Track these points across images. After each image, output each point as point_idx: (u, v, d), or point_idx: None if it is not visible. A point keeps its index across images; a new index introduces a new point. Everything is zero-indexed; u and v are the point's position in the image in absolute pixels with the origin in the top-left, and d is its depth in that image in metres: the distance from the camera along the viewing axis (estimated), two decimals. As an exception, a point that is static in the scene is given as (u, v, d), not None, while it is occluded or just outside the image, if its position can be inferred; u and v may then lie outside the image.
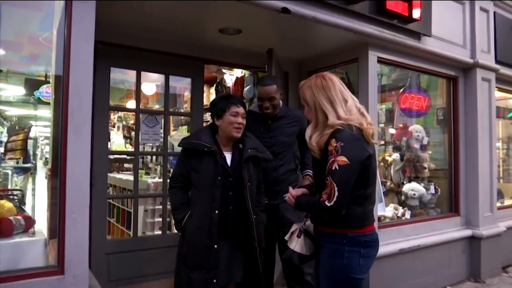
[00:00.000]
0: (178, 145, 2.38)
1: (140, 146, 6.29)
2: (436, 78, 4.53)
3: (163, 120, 3.64)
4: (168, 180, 2.48)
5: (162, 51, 3.41)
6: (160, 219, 4.25)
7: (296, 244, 1.93)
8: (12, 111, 7.71)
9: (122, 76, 6.28)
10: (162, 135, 3.64)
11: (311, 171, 2.82)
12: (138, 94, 3.39)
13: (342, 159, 1.67)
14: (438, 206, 4.43)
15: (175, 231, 4.59)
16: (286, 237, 2.03)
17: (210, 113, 2.44)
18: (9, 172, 4.69)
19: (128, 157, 7.32)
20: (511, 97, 5.54)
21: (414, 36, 3.72)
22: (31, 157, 7.23)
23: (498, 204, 4.78)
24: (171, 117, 6.96)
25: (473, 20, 4.39)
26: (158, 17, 2.95)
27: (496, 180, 4.65)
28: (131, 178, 5.48)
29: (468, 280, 4.25)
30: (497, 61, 4.64)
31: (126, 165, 7.25)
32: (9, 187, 4.50)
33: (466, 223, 4.38)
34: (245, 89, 4.99)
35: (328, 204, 1.67)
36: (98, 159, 3.15)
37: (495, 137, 4.63)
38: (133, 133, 6.46)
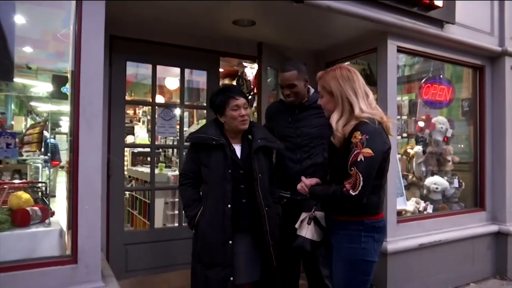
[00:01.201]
0: (185, 141, 2.37)
1: (162, 140, 6.41)
2: (461, 68, 4.35)
3: (185, 113, 3.67)
4: (179, 177, 2.45)
5: (176, 44, 3.43)
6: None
7: (307, 231, 2.03)
8: (43, 107, 7.99)
9: (146, 72, 6.40)
10: (178, 128, 3.66)
11: None
12: (154, 87, 3.42)
13: (367, 151, 1.77)
14: (462, 200, 4.27)
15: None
16: (296, 225, 2.11)
17: (212, 110, 2.38)
18: (40, 165, 4.87)
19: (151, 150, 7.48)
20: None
21: (436, 24, 3.57)
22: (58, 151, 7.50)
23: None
24: (194, 111, 7.05)
25: (502, 5, 4.18)
26: (171, 9, 2.94)
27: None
28: (147, 170, 5.62)
29: (493, 277, 4.09)
30: (527, 49, 4.40)
31: (149, 159, 7.38)
32: (39, 179, 4.68)
33: (492, 218, 4.20)
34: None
35: (353, 193, 1.76)
36: (115, 151, 3.22)
37: (525, 129, 4.40)
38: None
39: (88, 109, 2.20)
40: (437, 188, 4.08)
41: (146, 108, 7.86)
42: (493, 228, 4.11)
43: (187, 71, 3.62)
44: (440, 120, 4.25)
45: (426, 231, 3.63)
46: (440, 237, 3.64)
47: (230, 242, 2.18)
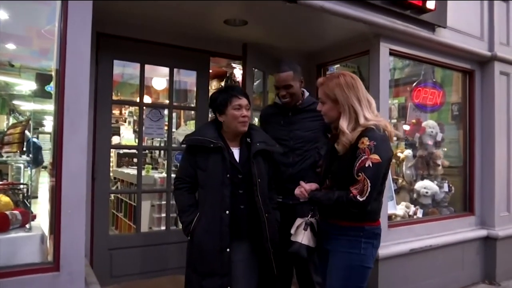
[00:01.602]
0: (181, 143, 2.28)
1: (149, 141, 6.29)
2: (451, 72, 4.35)
3: (173, 114, 3.58)
4: (173, 181, 2.35)
5: (166, 43, 3.35)
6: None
7: (304, 237, 2.00)
8: (26, 106, 7.79)
9: (133, 71, 6.28)
10: (167, 129, 3.57)
11: None
12: (141, 87, 3.32)
13: (375, 157, 1.77)
14: (452, 205, 4.27)
15: (180, 227, 4.62)
16: (292, 231, 2.05)
17: (211, 109, 2.31)
18: (22, 166, 4.70)
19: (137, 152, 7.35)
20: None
21: (428, 28, 3.56)
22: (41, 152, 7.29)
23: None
24: (181, 112, 6.94)
25: (491, 11, 4.19)
26: (160, 7, 2.86)
27: (514, 178, 4.46)
28: (134, 172, 5.50)
29: (482, 282, 4.09)
30: (516, 54, 4.44)
31: (135, 160, 7.24)
32: (21, 181, 4.51)
33: (481, 223, 4.21)
34: (254, 84, 4.90)
35: (361, 199, 1.75)
36: (100, 152, 3.11)
37: (513, 134, 4.43)
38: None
39: (73, 108, 2.09)
40: (427, 192, 4.06)
41: (132, 109, 7.73)
42: (482, 232, 4.11)
43: (174, 71, 3.51)
44: (430, 124, 4.25)
45: (417, 236, 3.60)
46: (431, 242, 3.62)
47: (228, 249, 2.10)
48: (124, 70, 5.89)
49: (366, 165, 1.77)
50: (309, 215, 2.05)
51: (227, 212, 2.10)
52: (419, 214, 3.95)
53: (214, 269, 2.08)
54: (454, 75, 4.41)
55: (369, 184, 1.75)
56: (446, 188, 4.18)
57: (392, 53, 3.47)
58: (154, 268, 3.30)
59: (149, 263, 3.30)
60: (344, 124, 1.88)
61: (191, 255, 2.18)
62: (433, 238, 3.70)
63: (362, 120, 1.85)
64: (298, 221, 2.06)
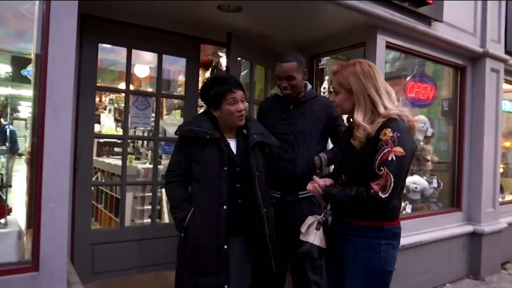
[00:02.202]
0: (175, 133, 2.12)
1: (131, 130, 6.07)
2: (442, 67, 4.32)
3: (155, 103, 3.41)
4: (160, 173, 2.21)
5: (155, 28, 3.17)
6: (150, 207, 4.05)
7: (315, 237, 1.86)
8: (1, 91, 7.40)
9: (115, 57, 6.01)
10: (154, 119, 3.39)
11: (323, 153, 2.50)
12: (128, 73, 3.13)
13: (399, 149, 1.62)
14: (440, 200, 4.26)
15: (166, 220, 4.47)
16: (303, 230, 1.91)
17: (204, 102, 2.16)
18: (-6, 154, 4.43)
19: (119, 141, 7.10)
20: (517, 90, 5.36)
21: (424, 21, 3.49)
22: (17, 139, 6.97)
23: (499, 200, 4.63)
24: (164, 101, 6.72)
25: (484, 7, 4.18)
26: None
27: (499, 174, 4.50)
28: (121, 162, 5.31)
29: (467, 277, 4.13)
30: (506, 52, 4.44)
31: (116, 149, 7.01)
32: (-4, 171, 4.25)
33: (468, 219, 4.23)
34: (242, 74, 4.75)
35: (383, 196, 1.60)
36: (83, 142, 2.93)
37: (501, 131, 4.45)
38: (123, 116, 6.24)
39: (56, 94, 1.90)
40: (416, 187, 4.04)
41: (113, 96, 7.45)
42: (469, 228, 4.13)
43: (155, 59, 3.33)
44: (421, 119, 4.20)
45: (406, 232, 3.53)
46: (420, 238, 3.60)
47: (225, 246, 1.99)
48: (105, 55, 5.63)
49: (389, 159, 1.61)
50: (323, 214, 1.91)
51: (225, 207, 1.99)
52: (408, 209, 3.93)
53: (210, 267, 1.97)
54: (445, 70, 4.38)
55: (392, 180, 1.59)
56: (435, 184, 4.17)
57: (389, 46, 3.40)
58: (139, 264, 3.16)
59: (133, 259, 3.15)
60: (359, 117, 1.72)
61: (184, 253, 2.04)
62: (422, 234, 3.69)
63: (381, 110, 1.69)
64: (310, 219, 1.92)
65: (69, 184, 1.97)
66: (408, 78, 3.95)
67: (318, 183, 1.87)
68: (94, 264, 3.00)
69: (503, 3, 4.38)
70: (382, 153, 1.63)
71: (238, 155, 2.10)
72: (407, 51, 3.65)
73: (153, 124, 3.39)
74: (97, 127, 6.79)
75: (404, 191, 4.11)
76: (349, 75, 1.76)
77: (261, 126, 2.25)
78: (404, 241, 3.45)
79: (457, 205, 4.23)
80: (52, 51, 1.90)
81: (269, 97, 3.02)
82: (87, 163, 2.99)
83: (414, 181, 4.08)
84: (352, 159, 1.80)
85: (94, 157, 6.17)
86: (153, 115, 3.45)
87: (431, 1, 3.33)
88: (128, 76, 3.14)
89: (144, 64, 6.04)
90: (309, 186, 1.92)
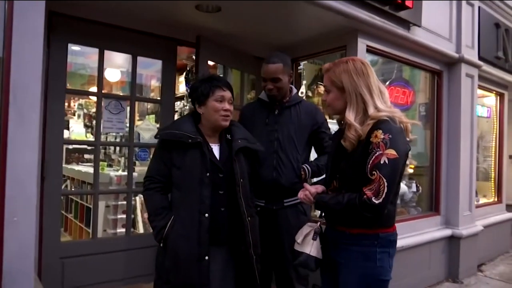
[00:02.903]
0: (155, 137, 2.00)
1: (102, 136, 5.83)
2: (418, 72, 4.35)
3: (129, 107, 3.24)
4: (143, 180, 2.06)
5: (129, 27, 3.02)
6: (124, 216, 3.85)
7: (312, 248, 1.77)
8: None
9: (84, 60, 5.77)
10: (128, 124, 3.23)
11: (307, 165, 2.42)
12: (100, 76, 2.97)
13: (392, 152, 1.53)
14: (418, 204, 4.28)
15: (141, 230, 4.28)
16: (298, 240, 1.81)
17: (190, 99, 2.06)
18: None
19: (89, 147, 6.81)
20: (489, 95, 5.48)
21: (404, 25, 3.50)
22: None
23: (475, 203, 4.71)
24: (136, 106, 6.49)
25: (459, 13, 4.24)
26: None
27: (475, 178, 4.57)
28: (92, 170, 5.06)
29: (446, 280, 4.14)
30: (479, 57, 4.53)
31: (86, 156, 6.74)
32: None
33: (446, 223, 4.26)
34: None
35: (376, 202, 1.51)
36: (51, 149, 2.74)
37: (476, 135, 4.54)
38: (95, 121, 6.00)
39: (21, 98, 1.73)
40: (396, 192, 4.02)
41: (82, 101, 7.17)
42: (447, 232, 4.16)
43: (126, 63, 3.18)
44: (399, 123, 4.22)
45: (388, 237, 3.54)
46: (402, 243, 3.57)
47: (207, 257, 1.87)
48: (73, 59, 5.39)
49: (382, 162, 1.53)
50: (319, 223, 1.82)
51: (207, 215, 1.88)
52: (389, 214, 3.90)
53: (191, 279, 1.85)
54: (422, 75, 4.42)
55: (386, 184, 1.51)
56: (414, 188, 4.18)
57: (369, 50, 3.37)
58: (113, 277, 2.97)
59: (107, 272, 2.96)
60: (351, 116, 1.64)
61: (163, 265, 1.91)
62: (403, 239, 3.66)
63: (371, 110, 1.61)
64: (306, 228, 1.82)
65: (36, 195, 1.80)
66: (387, 83, 3.95)
67: (309, 191, 1.79)
68: (64, 279, 2.80)
69: (476, 9, 4.47)
70: (374, 156, 1.55)
71: (222, 160, 2.00)
72: (387, 55, 3.64)
73: (127, 129, 3.22)
74: (65, 133, 6.51)
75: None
76: (341, 73, 1.70)
77: (246, 131, 2.16)
78: (386, 246, 3.44)
79: (436, 209, 4.26)
80: (16, 50, 1.73)
81: (251, 102, 2.92)
82: (57, 171, 2.79)
83: (393, 185, 4.07)
84: (343, 164, 1.72)
85: (64, 165, 5.91)
86: (127, 120, 3.28)
87: (410, 6, 3.33)
88: (100, 78, 2.98)
89: (115, 68, 5.83)
90: (300, 194, 1.83)
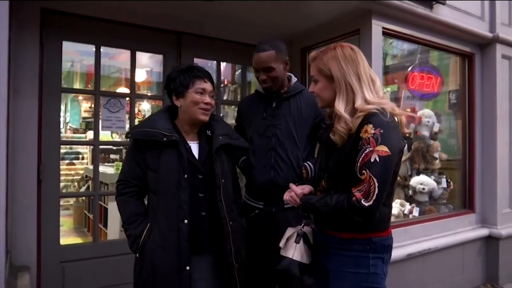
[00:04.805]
0: (126, 137, 1.85)
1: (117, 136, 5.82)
2: (448, 56, 3.97)
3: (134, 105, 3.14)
4: (116, 184, 1.91)
5: (127, 22, 2.89)
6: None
7: (295, 252, 1.64)
8: None
9: (75, 57, 6.01)
10: (129, 122, 3.11)
11: (309, 162, 2.17)
12: (97, 73, 2.86)
13: (383, 149, 1.40)
14: (450, 201, 3.91)
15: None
16: (281, 244, 1.69)
17: (167, 91, 1.88)
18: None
19: (114, 148, 6.86)
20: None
21: (425, 4, 3.16)
22: None
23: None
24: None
25: (493, -13, 3.82)
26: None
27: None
28: (110, 170, 5.05)
29: (484, 286, 3.76)
30: (518, 36, 4.07)
31: (112, 156, 6.82)
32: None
33: (482, 221, 3.86)
34: (236, 73, 4.48)
35: (366, 204, 1.38)
36: (48, 150, 2.66)
37: (515, 123, 4.08)
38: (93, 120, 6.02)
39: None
40: (423, 188, 3.69)
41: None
42: (484, 231, 3.76)
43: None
44: (426, 113, 3.87)
45: (413, 238, 3.23)
46: (429, 245, 3.25)
47: (188, 267, 1.69)
48: (65, 57, 5.57)
49: (372, 160, 1.39)
50: (302, 224, 1.66)
51: (186, 221, 1.70)
52: (415, 213, 3.59)
53: None
54: (452, 60, 4.03)
55: (377, 185, 1.37)
56: (444, 184, 3.82)
57: (386, 32, 3.07)
58: (116, 282, 2.87)
59: (109, 276, 2.86)
60: (340, 106, 1.49)
61: (141, 277, 1.74)
62: (431, 240, 3.34)
63: (359, 102, 1.46)
64: (289, 231, 1.69)
65: (5, 200, 1.68)
66: (409, 69, 3.60)
67: (295, 192, 1.63)
68: (65, 283, 2.72)
69: (513, -17, 4.02)
70: (363, 154, 1.41)
71: (201, 160, 1.81)
72: (407, 38, 3.31)
73: (127, 128, 3.10)
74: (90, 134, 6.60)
75: (411, 192, 3.79)
76: (329, 60, 1.55)
77: (228, 126, 1.97)
78: (411, 248, 3.15)
79: (470, 206, 3.87)
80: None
81: (248, 95, 2.71)
82: (54, 173, 2.70)
83: (421, 181, 3.74)
84: (332, 162, 1.54)
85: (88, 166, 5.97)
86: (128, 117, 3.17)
87: (431, -19, 3.00)
88: (98, 75, 2.87)
89: (140, 68, 5.81)
90: (286, 196, 1.67)
